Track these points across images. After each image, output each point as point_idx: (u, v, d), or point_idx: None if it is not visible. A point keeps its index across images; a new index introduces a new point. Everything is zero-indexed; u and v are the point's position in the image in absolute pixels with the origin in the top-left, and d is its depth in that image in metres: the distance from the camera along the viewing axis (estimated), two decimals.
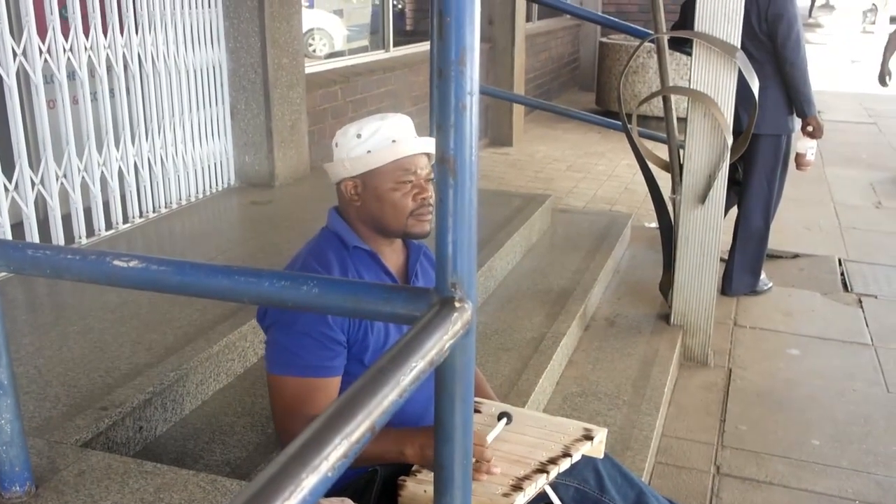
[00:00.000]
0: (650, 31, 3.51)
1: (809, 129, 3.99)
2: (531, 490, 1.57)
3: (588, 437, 1.71)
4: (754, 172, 4.01)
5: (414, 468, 1.64)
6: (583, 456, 1.69)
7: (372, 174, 1.70)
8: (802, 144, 4.08)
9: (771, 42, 3.80)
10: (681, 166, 3.39)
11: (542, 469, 1.61)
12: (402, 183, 1.70)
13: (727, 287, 4.21)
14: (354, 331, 1.69)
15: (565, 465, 1.64)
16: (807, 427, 3.11)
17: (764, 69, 3.79)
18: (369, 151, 1.69)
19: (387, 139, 1.69)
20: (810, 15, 24.80)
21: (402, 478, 1.62)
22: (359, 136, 1.70)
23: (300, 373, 1.66)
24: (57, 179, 3.10)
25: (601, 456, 1.75)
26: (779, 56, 3.80)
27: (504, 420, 1.72)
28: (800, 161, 4.15)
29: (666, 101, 3.47)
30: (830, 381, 3.46)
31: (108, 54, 3.32)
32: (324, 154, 4.94)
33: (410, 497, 1.59)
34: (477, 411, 1.82)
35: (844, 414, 3.20)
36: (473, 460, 1.53)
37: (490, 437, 1.66)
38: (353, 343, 1.70)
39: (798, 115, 3.96)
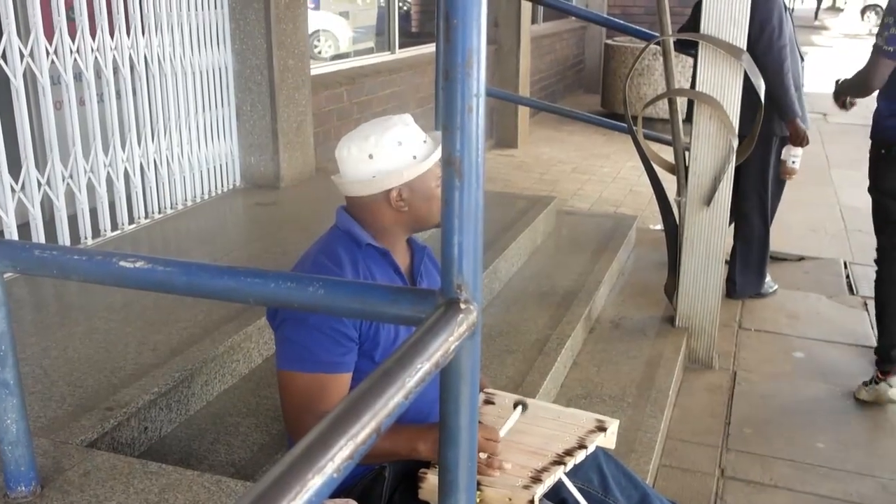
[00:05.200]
0: (655, 34, 3.51)
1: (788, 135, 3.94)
2: (550, 481, 1.61)
3: (601, 428, 1.75)
4: (746, 175, 3.99)
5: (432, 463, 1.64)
6: (587, 457, 1.72)
7: (419, 177, 1.71)
8: (786, 152, 4.01)
9: (752, 47, 3.75)
10: (686, 168, 3.38)
11: (559, 461, 1.65)
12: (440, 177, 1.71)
13: (732, 290, 4.20)
14: (366, 327, 1.69)
15: (581, 456, 1.68)
16: (812, 430, 3.10)
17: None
18: (415, 157, 1.70)
19: (420, 141, 1.71)
20: (816, 17, 24.71)
21: (422, 470, 1.62)
22: (400, 143, 1.69)
23: (311, 369, 1.65)
24: (63, 180, 3.11)
25: (613, 447, 1.79)
26: (759, 61, 3.74)
27: (519, 409, 1.76)
28: (782, 168, 4.06)
29: (671, 103, 3.47)
30: (835, 384, 3.45)
31: (114, 56, 3.33)
32: (329, 155, 4.95)
33: (431, 489, 1.59)
34: (490, 402, 1.85)
35: (849, 417, 3.19)
36: (486, 455, 1.55)
37: (504, 431, 1.68)
38: (365, 340, 1.70)
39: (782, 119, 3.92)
